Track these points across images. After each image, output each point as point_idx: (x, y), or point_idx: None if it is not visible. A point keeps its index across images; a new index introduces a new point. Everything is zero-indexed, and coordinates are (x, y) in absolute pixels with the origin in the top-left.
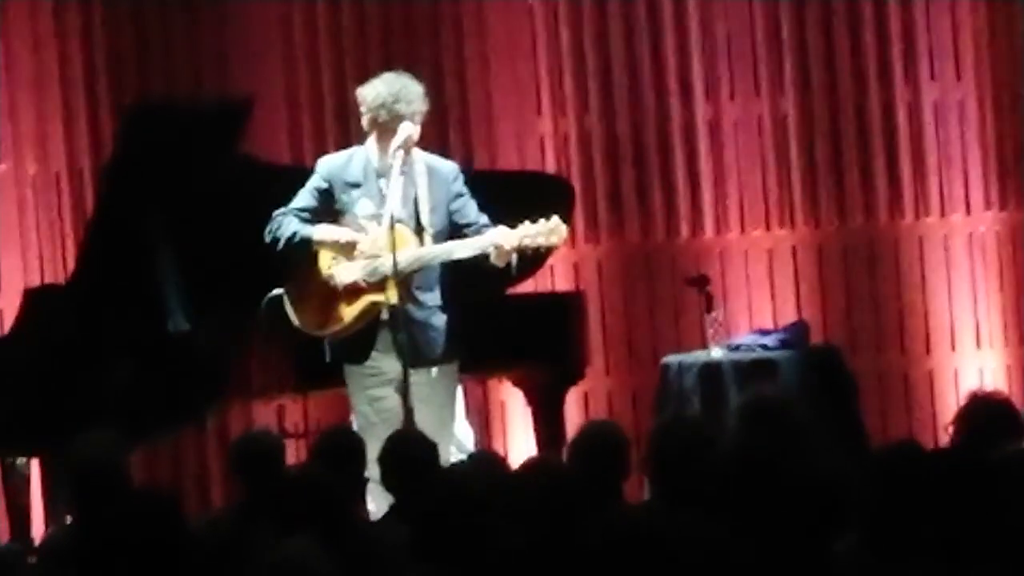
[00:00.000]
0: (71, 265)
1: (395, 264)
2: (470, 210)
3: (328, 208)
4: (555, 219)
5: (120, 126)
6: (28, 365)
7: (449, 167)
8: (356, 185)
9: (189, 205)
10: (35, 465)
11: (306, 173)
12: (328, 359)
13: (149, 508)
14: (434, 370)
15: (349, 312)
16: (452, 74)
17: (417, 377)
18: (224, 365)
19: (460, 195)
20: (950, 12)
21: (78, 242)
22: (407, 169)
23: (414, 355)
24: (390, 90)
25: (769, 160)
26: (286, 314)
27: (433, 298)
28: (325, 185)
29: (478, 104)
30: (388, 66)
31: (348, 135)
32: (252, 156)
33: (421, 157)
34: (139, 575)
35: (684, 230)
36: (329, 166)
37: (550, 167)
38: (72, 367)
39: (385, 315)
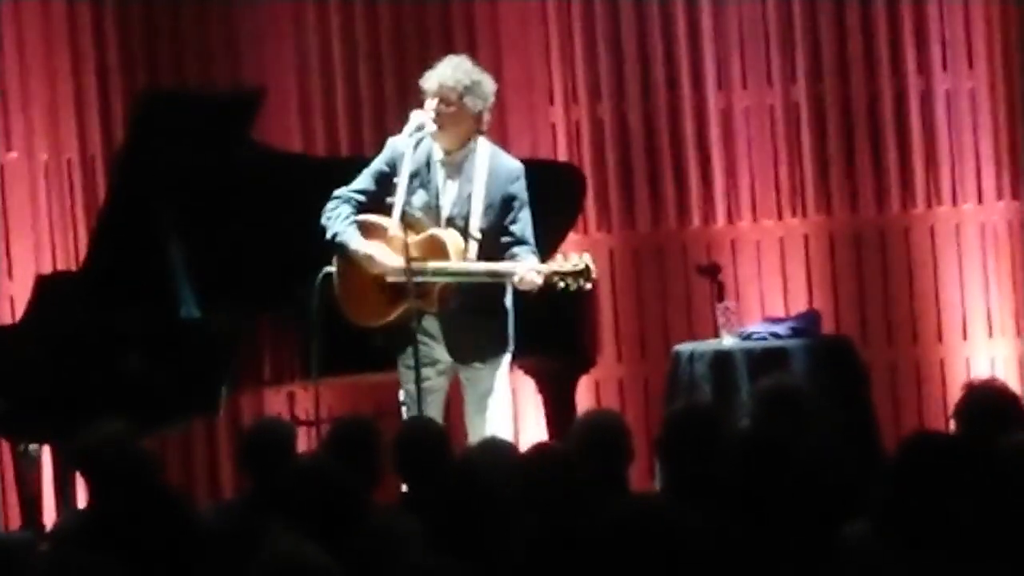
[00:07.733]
0: (83, 252)
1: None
2: (517, 222)
3: (388, 191)
4: (586, 258)
5: (131, 115)
6: (40, 352)
7: (511, 167)
8: (415, 174)
9: (200, 193)
10: (47, 452)
11: (318, 161)
12: (379, 344)
13: (162, 505)
14: (483, 364)
15: (390, 311)
16: None
17: (468, 371)
18: (236, 353)
19: (514, 198)
20: (962, 1)
21: (89, 229)
22: (444, 161)
23: (462, 352)
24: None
25: (781, 149)
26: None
27: (481, 296)
28: (387, 169)
29: None
30: (399, 54)
31: (359, 125)
32: (263, 145)
33: (486, 151)
34: (151, 561)
35: (696, 219)
36: (393, 150)
37: (562, 155)
38: (83, 354)
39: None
